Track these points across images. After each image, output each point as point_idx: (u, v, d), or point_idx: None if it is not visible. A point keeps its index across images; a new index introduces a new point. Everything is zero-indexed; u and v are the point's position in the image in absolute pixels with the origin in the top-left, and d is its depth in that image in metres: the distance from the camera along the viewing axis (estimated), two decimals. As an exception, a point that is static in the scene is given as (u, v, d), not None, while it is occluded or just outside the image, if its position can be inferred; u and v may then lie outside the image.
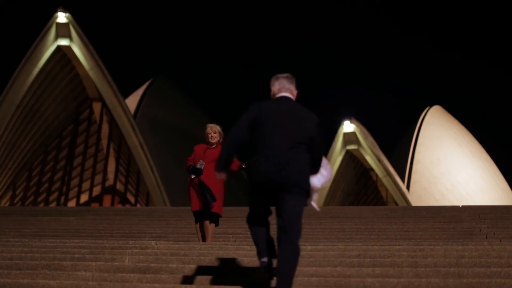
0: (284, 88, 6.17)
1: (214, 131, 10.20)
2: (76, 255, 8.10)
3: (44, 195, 37.28)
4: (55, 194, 37.50)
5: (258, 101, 6.18)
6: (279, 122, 5.94)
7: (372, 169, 41.44)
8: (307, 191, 5.88)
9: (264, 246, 6.01)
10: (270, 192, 5.84)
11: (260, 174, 5.84)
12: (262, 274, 6.06)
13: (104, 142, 38.59)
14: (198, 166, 10.17)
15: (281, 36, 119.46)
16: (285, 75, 6.23)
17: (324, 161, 6.16)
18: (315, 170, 6.04)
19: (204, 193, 10.01)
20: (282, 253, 5.68)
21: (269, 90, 6.34)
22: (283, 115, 5.97)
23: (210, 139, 10.20)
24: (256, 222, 6.06)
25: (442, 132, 49.35)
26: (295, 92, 6.19)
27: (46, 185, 37.45)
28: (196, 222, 10.39)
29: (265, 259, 6.01)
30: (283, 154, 5.83)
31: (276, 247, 5.90)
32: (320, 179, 6.13)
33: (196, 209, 10.24)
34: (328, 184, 6.63)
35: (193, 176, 10.17)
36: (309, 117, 6.02)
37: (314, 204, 6.18)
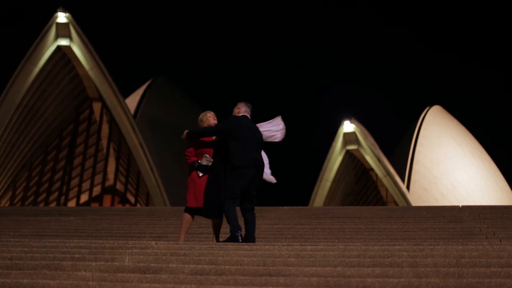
0: (245, 111, 9.94)
1: (214, 116, 10.16)
2: (76, 255, 8.11)
3: (44, 195, 37.26)
4: (55, 194, 37.48)
5: (229, 116, 9.88)
6: (249, 131, 9.69)
7: (372, 169, 41.42)
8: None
9: (237, 219, 9.37)
10: (249, 175, 9.48)
11: (246, 164, 9.46)
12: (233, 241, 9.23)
13: (104, 142, 38.58)
14: (205, 163, 9.80)
15: (281, 36, 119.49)
16: (247, 103, 9.98)
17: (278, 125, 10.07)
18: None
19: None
20: (250, 217, 9.66)
21: (237, 108, 10.04)
22: (250, 127, 9.76)
23: (213, 121, 10.11)
24: (233, 200, 9.45)
25: (442, 132, 49.31)
26: (250, 114, 9.95)
27: (46, 185, 37.43)
28: (192, 217, 9.91)
29: (240, 232, 9.42)
30: (255, 150, 9.63)
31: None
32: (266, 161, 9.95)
33: (193, 206, 9.80)
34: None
35: (200, 174, 9.76)
36: (257, 128, 9.84)
37: (269, 177, 10.05)
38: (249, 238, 9.57)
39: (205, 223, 13.25)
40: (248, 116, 9.90)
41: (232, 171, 9.51)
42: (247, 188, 9.57)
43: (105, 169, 38.43)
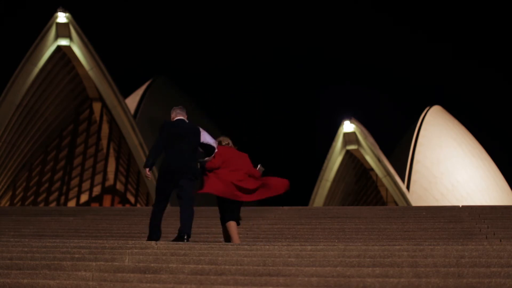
0: (178, 114, 10.17)
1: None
2: (76, 255, 8.11)
3: (44, 195, 37.25)
4: (55, 194, 37.48)
5: (167, 121, 10.11)
6: (179, 134, 9.83)
7: (372, 169, 41.42)
8: (196, 176, 9.81)
9: (157, 224, 9.71)
10: (174, 178, 9.61)
11: (172, 167, 9.68)
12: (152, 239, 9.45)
13: (104, 142, 38.57)
14: None
15: (281, 36, 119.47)
16: (179, 107, 10.25)
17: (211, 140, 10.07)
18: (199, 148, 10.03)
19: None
20: (187, 213, 9.59)
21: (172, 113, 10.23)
22: (181, 129, 9.92)
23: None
24: (158, 205, 9.78)
25: (442, 132, 49.31)
26: (185, 116, 10.15)
27: (46, 185, 37.42)
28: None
29: (157, 232, 9.70)
30: (183, 154, 9.72)
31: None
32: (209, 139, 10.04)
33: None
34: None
35: None
36: (194, 128, 9.98)
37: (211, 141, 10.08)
38: (179, 235, 9.64)
39: (205, 223, 13.27)
40: (182, 117, 10.10)
41: (159, 174, 9.84)
42: (172, 189, 9.77)
43: (105, 169, 38.42)
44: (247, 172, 10.08)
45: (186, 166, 9.70)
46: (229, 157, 10.09)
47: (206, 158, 9.99)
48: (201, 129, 10.02)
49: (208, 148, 9.98)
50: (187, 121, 10.10)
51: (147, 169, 9.79)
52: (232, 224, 9.97)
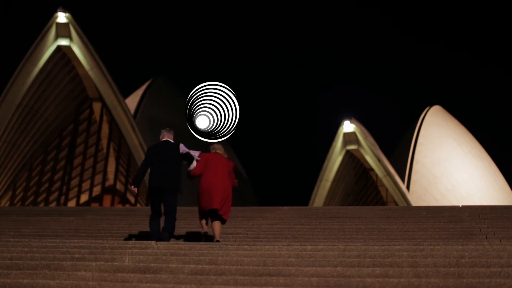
0: (165, 136, 11.28)
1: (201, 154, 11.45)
2: (76, 255, 8.11)
3: (44, 195, 37.23)
4: (55, 194, 37.46)
5: (150, 146, 11.40)
6: (162, 155, 11.03)
7: (372, 169, 41.40)
8: (179, 190, 10.95)
9: (155, 230, 10.63)
10: (159, 193, 10.84)
11: (157, 185, 10.86)
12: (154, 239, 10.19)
13: (104, 142, 38.56)
14: None
15: (281, 36, 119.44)
16: (167, 129, 11.40)
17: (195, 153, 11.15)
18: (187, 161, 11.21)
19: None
20: (168, 221, 10.66)
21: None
22: (164, 150, 11.10)
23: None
24: (152, 216, 10.83)
25: (442, 132, 49.30)
26: (172, 136, 11.30)
27: (46, 185, 37.40)
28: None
29: (156, 236, 10.44)
30: (166, 171, 10.89)
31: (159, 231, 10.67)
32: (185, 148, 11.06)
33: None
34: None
35: None
36: (176, 147, 11.08)
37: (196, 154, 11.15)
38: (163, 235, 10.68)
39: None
40: (168, 138, 11.22)
41: (148, 189, 11.09)
42: (160, 202, 10.97)
43: (105, 169, 38.40)
44: (224, 174, 11.10)
45: (169, 183, 10.92)
46: (210, 160, 11.16)
47: (190, 168, 11.13)
48: (181, 144, 11.14)
49: (189, 158, 11.11)
50: (172, 141, 11.22)
51: (133, 187, 11.14)
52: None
